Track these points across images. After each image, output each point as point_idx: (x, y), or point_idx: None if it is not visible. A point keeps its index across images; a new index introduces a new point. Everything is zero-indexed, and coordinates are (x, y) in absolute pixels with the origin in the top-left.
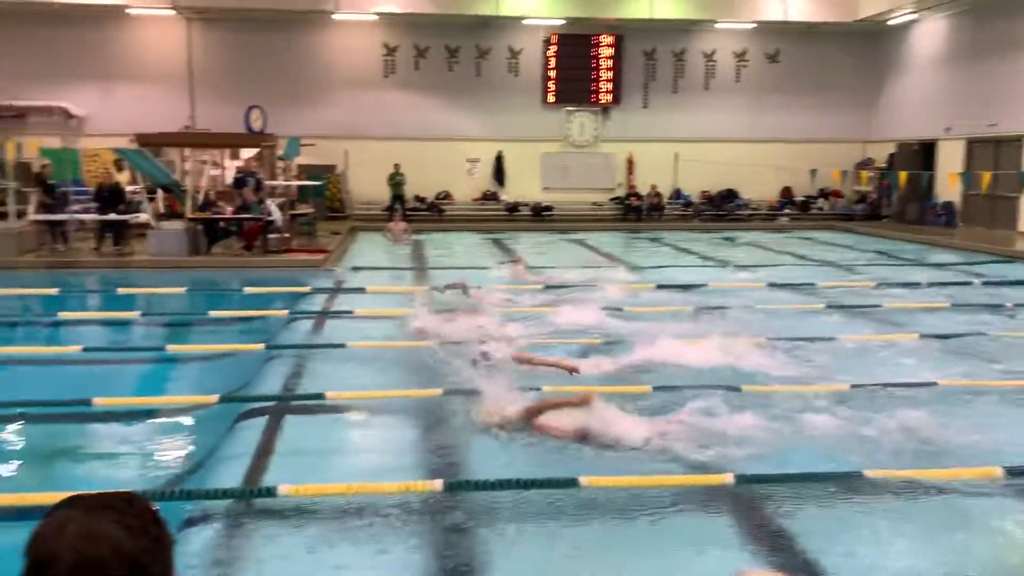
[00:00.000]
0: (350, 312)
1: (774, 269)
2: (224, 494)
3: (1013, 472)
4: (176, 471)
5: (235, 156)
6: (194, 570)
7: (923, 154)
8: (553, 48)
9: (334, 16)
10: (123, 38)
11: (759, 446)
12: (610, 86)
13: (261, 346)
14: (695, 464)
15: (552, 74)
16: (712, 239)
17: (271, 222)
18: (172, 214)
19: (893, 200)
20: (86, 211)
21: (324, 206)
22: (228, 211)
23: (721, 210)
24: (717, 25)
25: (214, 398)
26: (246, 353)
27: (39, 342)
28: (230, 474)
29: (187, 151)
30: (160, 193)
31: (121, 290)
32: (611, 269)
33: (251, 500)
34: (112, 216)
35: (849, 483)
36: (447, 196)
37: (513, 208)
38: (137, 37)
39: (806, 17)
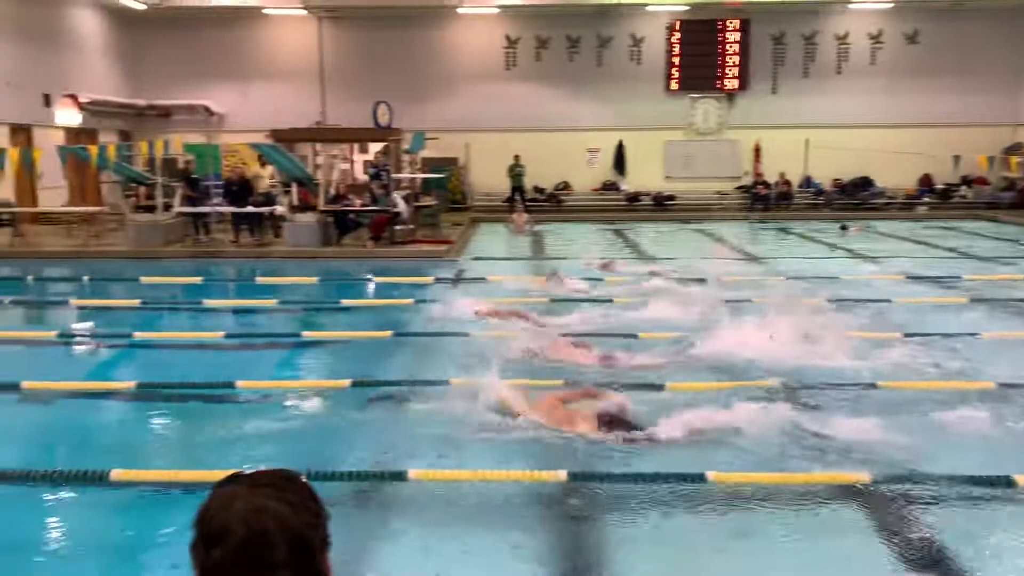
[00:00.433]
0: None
1: (910, 260)
2: (355, 476)
3: None
4: (309, 452)
5: (363, 150)
6: None
7: None
8: (676, 34)
9: (458, 10)
10: (259, 38)
11: (895, 446)
12: (736, 71)
13: (388, 333)
14: (830, 460)
15: (675, 61)
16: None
17: (397, 214)
18: (305, 207)
19: None
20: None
21: (446, 198)
22: (357, 203)
23: (854, 198)
24: (851, 6)
25: (346, 382)
26: (375, 339)
27: (185, 328)
28: (359, 457)
29: (318, 146)
30: (294, 186)
31: (259, 279)
32: (736, 260)
33: (380, 482)
34: (249, 209)
35: (999, 487)
36: (566, 186)
37: (634, 198)
38: (272, 36)
39: None
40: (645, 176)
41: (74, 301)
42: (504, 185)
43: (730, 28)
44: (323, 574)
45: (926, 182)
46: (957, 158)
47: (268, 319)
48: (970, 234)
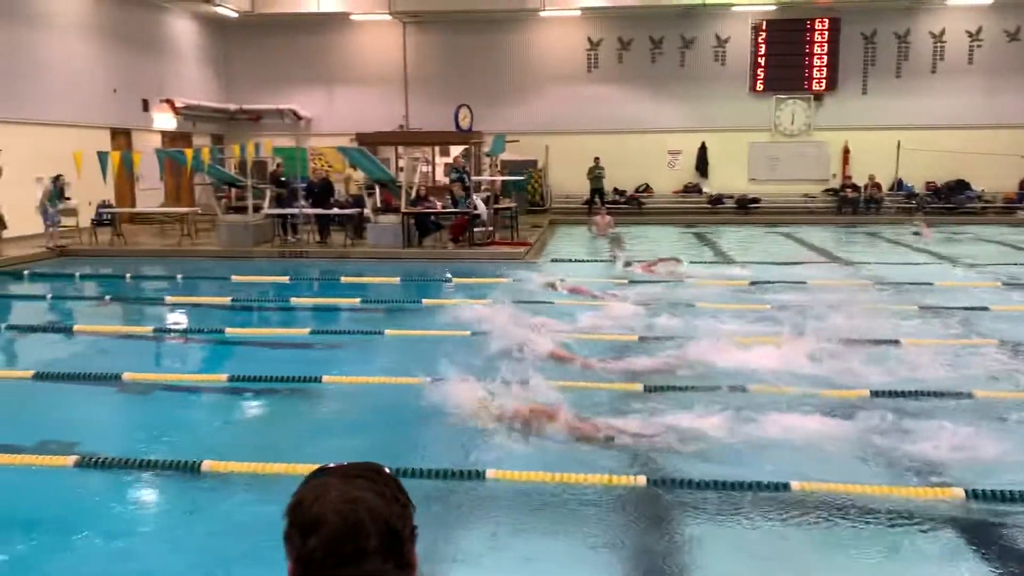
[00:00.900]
0: (551, 303)
1: (1010, 268)
2: (435, 474)
3: None
4: (430, 450)
5: (444, 153)
6: None
7: None
8: (763, 34)
9: (541, 13)
10: (345, 43)
11: (988, 460)
12: (824, 72)
13: (467, 333)
14: (916, 472)
15: (761, 61)
16: (937, 233)
17: (477, 216)
18: (388, 209)
19: None
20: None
21: (525, 200)
22: (438, 206)
23: (949, 202)
24: (949, 3)
25: (427, 379)
26: (453, 338)
27: (273, 324)
28: (438, 453)
29: (401, 149)
30: (378, 189)
31: (344, 279)
32: (823, 264)
33: (460, 481)
34: (335, 211)
35: None
36: (647, 189)
37: (716, 200)
38: (357, 42)
39: None
40: (728, 178)
41: (169, 298)
42: (583, 187)
43: (819, 28)
44: (411, 564)
45: None
46: None
47: (351, 317)
48: None
